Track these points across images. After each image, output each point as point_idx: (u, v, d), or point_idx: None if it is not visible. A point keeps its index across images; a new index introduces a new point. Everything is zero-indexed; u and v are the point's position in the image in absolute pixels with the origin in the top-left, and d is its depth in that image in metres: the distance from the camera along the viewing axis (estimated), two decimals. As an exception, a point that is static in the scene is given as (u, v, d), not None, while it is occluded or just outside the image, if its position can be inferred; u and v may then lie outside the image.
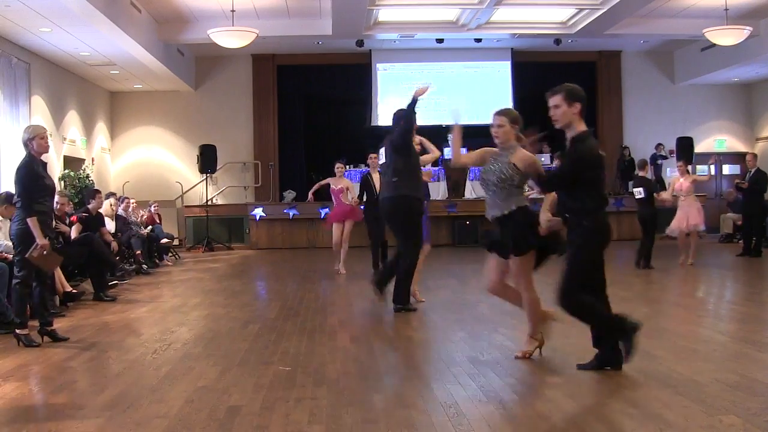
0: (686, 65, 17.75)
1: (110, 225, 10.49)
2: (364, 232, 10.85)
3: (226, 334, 6.13)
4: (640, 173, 10.96)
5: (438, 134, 10.74)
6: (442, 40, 16.00)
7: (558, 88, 4.52)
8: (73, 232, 8.94)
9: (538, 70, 17.34)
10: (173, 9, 13.50)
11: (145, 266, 11.42)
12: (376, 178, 10.47)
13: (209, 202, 16.62)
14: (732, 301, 8.17)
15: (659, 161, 16.80)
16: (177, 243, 15.41)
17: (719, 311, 7.31)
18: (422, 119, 7.90)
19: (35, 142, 5.87)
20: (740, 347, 5.24)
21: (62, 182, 13.78)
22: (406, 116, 6.89)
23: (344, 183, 10.85)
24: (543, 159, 14.46)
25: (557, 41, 15.84)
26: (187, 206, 16.80)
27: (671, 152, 17.03)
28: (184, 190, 17.20)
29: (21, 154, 6.04)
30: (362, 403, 3.97)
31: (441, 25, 15.05)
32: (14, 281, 5.94)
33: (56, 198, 9.07)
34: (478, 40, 16.22)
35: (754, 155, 12.85)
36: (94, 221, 9.39)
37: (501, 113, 4.94)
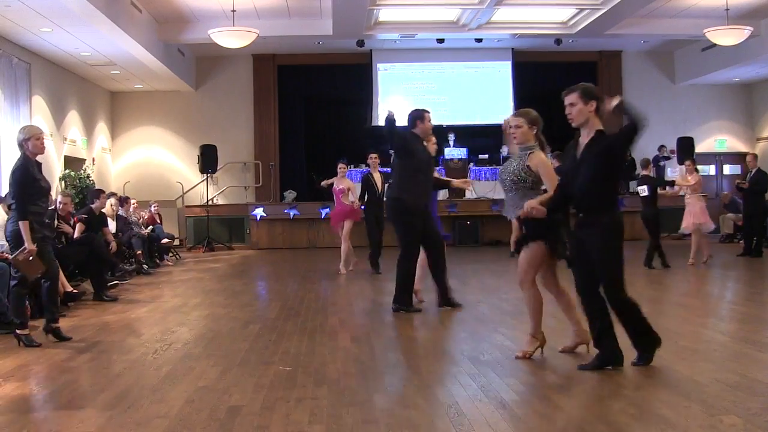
0: (687, 65, 17.74)
1: (111, 225, 10.48)
2: (364, 232, 10.86)
3: (227, 334, 6.12)
4: (644, 172, 10.97)
5: (438, 134, 10.73)
6: (443, 40, 15.98)
7: (574, 86, 4.54)
8: (76, 232, 8.94)
9: (539, 71, 17.35)
10: (174, 9, 13.51)
11: (145, 266, 11.41)
12: (377, 177, 10.50)
13: (210, 202, 16.62)
14: (733, 301, 8.16)
15: (662, 162, 16.78)
16: (177, 243, 15.41)
17: (720, 311, 7.30)
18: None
19: (30, 143, 5.81)
20: (741, 347, 5.23)
21: (63, 182, 13.78)
22: (386, 132, 7.17)
23: (346, 183, 10.85)
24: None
25: (558, 41, 15.82)
26: (187, 206, 16.80)
27: (672, 152, 17.04)
28: (184, 190, 17.20)
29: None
30: (363, 403, 3.97)
31: (441, 25, 15.05)
32: (12, 282, 5.93)
33: (60, 198, 9.12)
34: (479, 40, 16.19)
35: (755, 155, 12.85)
36: (97, 221, 9.37)
37: (519, 114, 5.00)
